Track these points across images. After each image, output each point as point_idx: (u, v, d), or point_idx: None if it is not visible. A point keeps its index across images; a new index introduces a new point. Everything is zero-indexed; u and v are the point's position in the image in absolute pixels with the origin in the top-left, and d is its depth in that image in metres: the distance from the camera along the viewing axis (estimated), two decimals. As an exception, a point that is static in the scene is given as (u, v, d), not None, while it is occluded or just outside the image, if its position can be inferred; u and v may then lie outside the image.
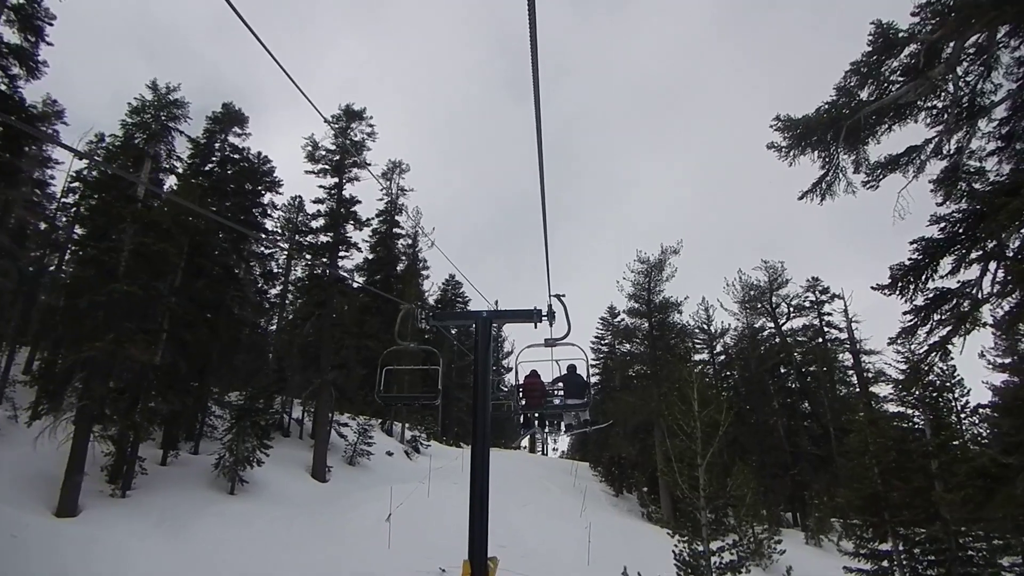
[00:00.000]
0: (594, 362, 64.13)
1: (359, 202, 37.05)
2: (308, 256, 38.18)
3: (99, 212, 26.39)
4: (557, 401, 10.75)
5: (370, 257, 65.63)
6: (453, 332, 63.74)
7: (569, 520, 30.33)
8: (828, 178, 14.00)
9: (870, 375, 50.16)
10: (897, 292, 13.86)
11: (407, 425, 48.00)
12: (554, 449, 74.56)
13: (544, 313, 7.45)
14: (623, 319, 50.25)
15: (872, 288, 14.20)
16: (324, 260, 36.17)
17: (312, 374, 34.36)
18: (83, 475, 22.08)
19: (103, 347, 22.64)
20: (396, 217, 67.40)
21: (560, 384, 10.86)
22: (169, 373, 26.57)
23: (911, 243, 13.68)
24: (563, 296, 7.54)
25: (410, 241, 67.49)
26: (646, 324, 43.27)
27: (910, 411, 22.40)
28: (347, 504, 27.12)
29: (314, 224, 38.35)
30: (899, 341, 15.41)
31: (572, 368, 10.87)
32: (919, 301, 13.80)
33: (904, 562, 19.86)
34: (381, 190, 66.87)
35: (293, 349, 38.33)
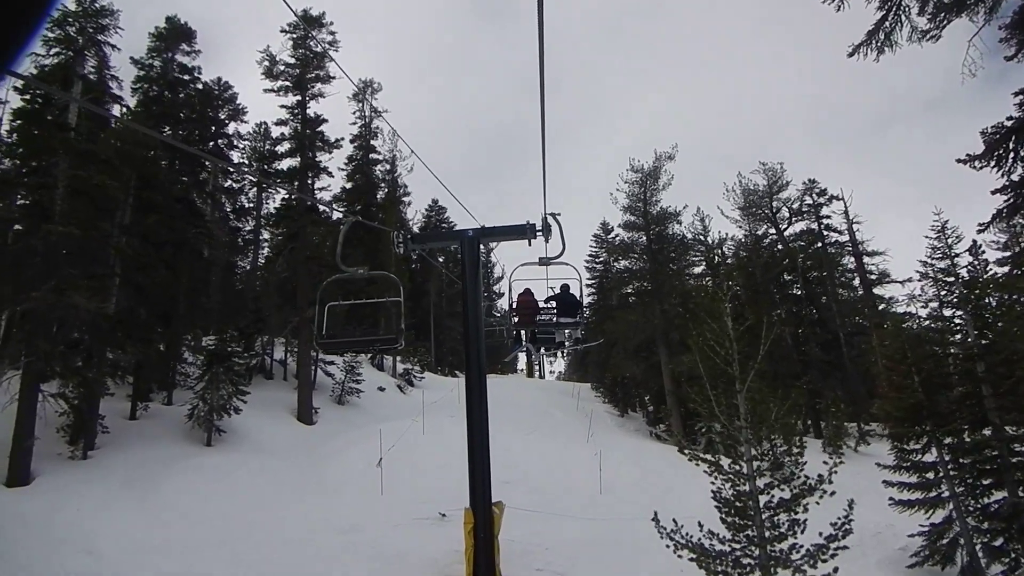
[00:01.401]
0: (589, 281, 61.92)
1: (325, 121, 33.72)
2: (277, 184, 35.11)
3: (27, 143, 23.14)
4: (551, 319, 10.65)
5: (347, 186, 62.31)
6: (441, 260, 61.44)
7: (576, 446, 28.49)
8: (888, 23, 11.14)
9: (874, 277, 48.39)
10: (992, 163, 11.24)
11: (399, 358, 45.89)
12: (551, 372, 73.30)
13: (539, 228, 6.78)
14: (618, 234, 47.69)
15: (959, 161, 11.53)
16: (291, 187, 33.13)
17: (290, 312, 31.89)
18: (34, 439, 19.76)
19: (41, 297, 19.97)
20: (372, 141, 63.95)
21: (553, 303, 10.78)
22: (126, 321, 24.01)
23: (1016, 93, 10.89)
24: (558, 215, 7.07)
25: (388, 167, 64.23)
26: (644, 237, 40.65)
27: (948, 311, 20.10)
28: (335, 447, 25.09)
29: (279, 149, 34.91)
30: (994, 225, 12.90)
31: (566, 287, 10.86)
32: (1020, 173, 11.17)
33: (952, 473, 17.98)
34: (354, 113, 63.11)
35: (269, 287, 35.84)
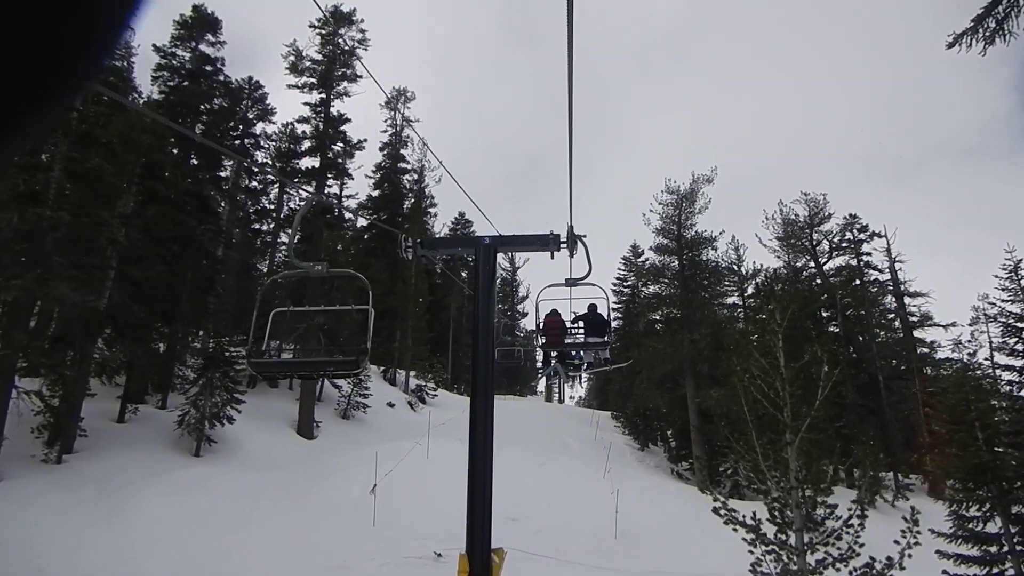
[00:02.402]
0: (616, 305, 59.80)
1: (348, 120, 32.24)
2: (294, 183, 33.66)
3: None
4: (579, 339, 10.62)
5: (374, 194, 61.40)
6: (464, 275, 59.71)
7: (592, 483, 26.31)
8: (1002, 7, 9.00)
9: (915, 319, 45.70)
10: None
11: (413, 373, 44.09)
12: (571, 397, 71.05)
13: (563, 240, 6.12)
14: (649, 258, 45.56)
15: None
16: (308, 187, 31.64)
17: (298, 318, 30.22)
18: (2, 438, 18.18)
19: (23, 285, 18.47)
20: (401, 150, 62.96)
21: (580, 323, 10.76)
22: (117, 318, 22.51)
23: None
24: (584, 236, 6.65)
25: (416, 176, 63.06)
26: (676, 262, 38.49)
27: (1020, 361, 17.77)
28: (333, 467, 23.17)
29: (299, 148, 33.45)
30: None
31: (593, 307, 10.87)
32: None
33: (1019, 548, 15.60)
34: (385, 121, 62.21)
35: (280, 290, 34.32)
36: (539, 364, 12.91)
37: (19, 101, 0.53)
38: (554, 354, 11.78)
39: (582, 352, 11.35)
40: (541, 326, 10.11)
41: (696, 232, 38.10)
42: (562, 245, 6.12)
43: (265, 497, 19.81)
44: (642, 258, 51.99)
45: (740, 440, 13.13)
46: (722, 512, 12.68)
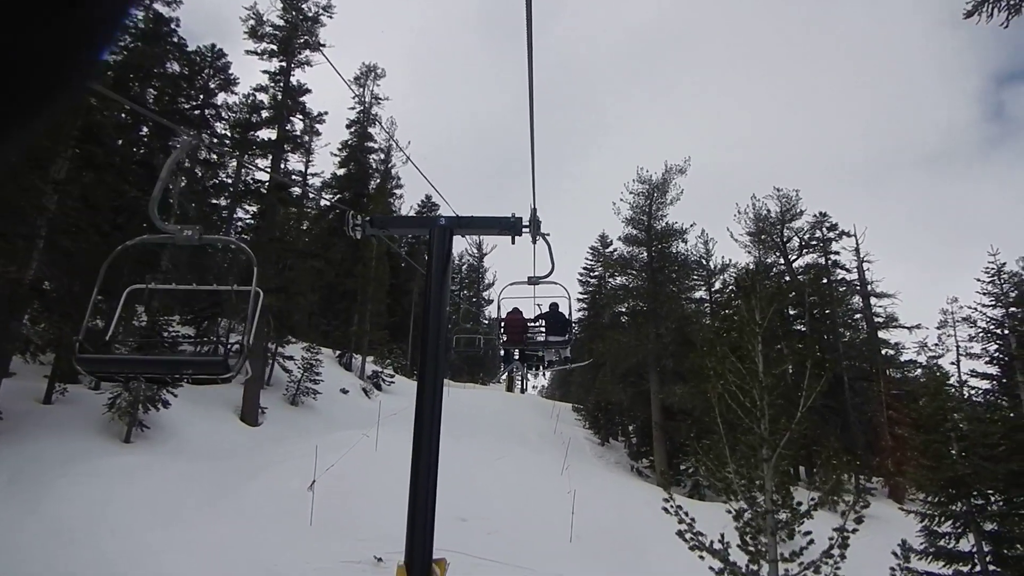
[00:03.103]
0: (581, 295, 58.96)
1: (309, 91, 30.48)
2: (248, 155, 31.82)
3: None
4: (539, 338, 10.78)
5: (339, 173, 59.60)
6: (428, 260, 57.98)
7: (549, 479, 25.35)
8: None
9: (880, 320, 45.60)
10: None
11: (371, 358, 42.64)
12: (533, 388, 70.19)
13: (525, 224, 5.61)
14: (616, 248, 44.72)
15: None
16: (261, 160, 29.94)
17: (243, 298, 28.62)
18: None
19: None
20: (369, 129, 61.22)
21: (542, 322, 10.92)
22: (44, 292, 20.83)
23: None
24: (548, 235, 6.31)
25: (383, 156, 61.37)
26: (645, 254, 37.62)
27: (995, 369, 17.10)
28: (273, 457, 21.80)
29: (254, 118, 31.57)
30: None
31: (555, 306, 11.06)
32: None
33: (991, 568, 14.94)
34: (353, 98, 60.40)
35: (232, 268, 32.67)
36: (501, 361, 13.16)
37: (19, 101, 0.54)
38: (516, 352, 11.87)
39: (542, 350, 11.34)
40: (503, 324, 10.33)
41: (667, 224, 37.34)
42: (524, 230, 5.69)
43: (197, 489, 18.41)
44: (610, 248, 51.10)
45: (710, 454, 12.13)
46: (687, 536, 11.64)
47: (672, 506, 11.44)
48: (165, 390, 22.23)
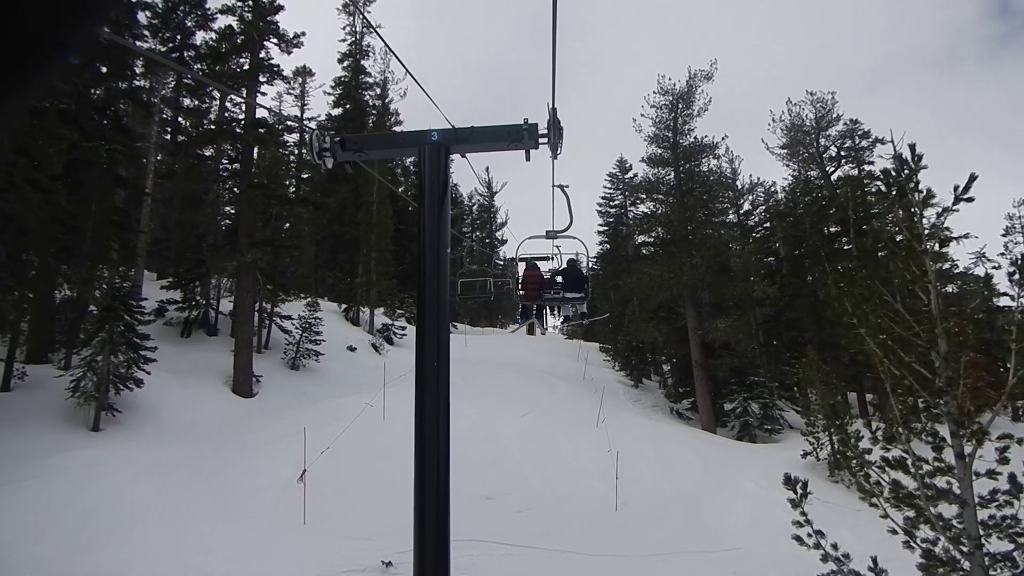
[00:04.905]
0: (600, 227, 55.44)
1: (282, 8, 26.32)
2: (219, 87, 28.23)
3: None
4: (556, 293, 10.84)
5: (334, 113, 56.12)
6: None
7: (584, 435, 22.39)
8: None
9: (926, 233, 41.75)
10: None
11: (381, 310, 39.64)
12: (553, 327, 67.55)
13: (542, 132, 4.46)
14: (639, 172, 40.96)
15: None
16: (236, 96, 26.30)
17: (226, 255, 25.46)
18: None
19: None
20: (363, 62, 57.30)
21: (559, 278, 10.99)
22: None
23: None
24: (567, 187, 6.60)
25: (379, 90, 57.55)
26: (672, 175, 33.85)
27: None
28: (269, 435, 18.95)
29: (224, 46, 27.58)
30: None
31: (572, 261, 11.11)
32: None
33: None
34: (343, 28, 56.46)
35: (215, 221, 29.60)
36: (518, 315, 12.97)
37: (19, 72, 0.56)
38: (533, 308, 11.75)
39: (560, 306, 11.39)
40: (520, 281, 10.61)
41: (695, 139, 33.37)
42: (541, 140, 4.51)
43: (173, 484, 15.58)
44: (630, 174, 47.31)
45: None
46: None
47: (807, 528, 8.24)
48: (136, 366, 19.41)
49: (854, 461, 9.12)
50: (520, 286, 10.56)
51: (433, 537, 3.76)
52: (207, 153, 36.66)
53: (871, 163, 42.24)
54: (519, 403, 24.77)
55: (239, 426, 20.01)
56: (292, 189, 51.36)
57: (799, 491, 8.25)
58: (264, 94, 27.37)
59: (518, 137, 4.51)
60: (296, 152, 45.79)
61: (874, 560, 8.04)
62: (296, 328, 27.85)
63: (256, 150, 30.83)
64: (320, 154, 4.71)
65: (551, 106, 4.54)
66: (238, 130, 26.51)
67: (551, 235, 7.72)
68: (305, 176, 55.34)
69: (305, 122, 50.53)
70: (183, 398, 20.84)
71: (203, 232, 29.95)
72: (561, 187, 6.76)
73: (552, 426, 22.79)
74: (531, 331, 58.51)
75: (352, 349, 32.04)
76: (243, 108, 27.41)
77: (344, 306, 38.93)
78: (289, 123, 40.29)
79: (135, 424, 18.82)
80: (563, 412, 25.19)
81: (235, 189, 27.71)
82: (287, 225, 41.25)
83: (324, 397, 23.35)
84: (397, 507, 11.28)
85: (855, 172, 42.57)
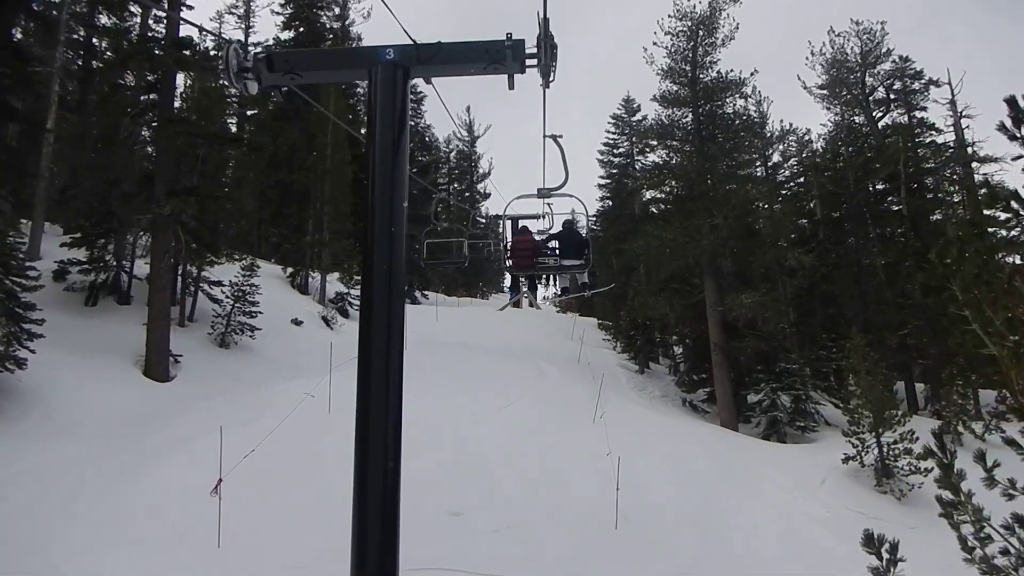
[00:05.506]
0: (603, 180, 54.20)
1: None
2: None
3: None
4: (551, 262, 10.87)
5: (283, 37, 54.57)
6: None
7: (578, 432, 21.26)
8: None
9: (985, 192, 40.62)
10: None
11: (336, 276, 38.27)
12: (545, 299, 66.77)
13: (531, 50, 4.13)
14: (647, 115, 39.55)
15: None
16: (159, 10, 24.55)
17: (139, 206, 23.90)
18: None
19: None
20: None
21: (555, 243, 11.02)
22: None
23: None
24: (560, 137, 6.73)
25: (339, 11, 56.06)
26: (689, 116, 32.50)
27: None
28: (183, 431, 17.58)
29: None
30: None
31: (569, 223, 11.38)
32: None
33: None
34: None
35: (131, 164, 27.96)
36: (506, 288, 12.47)
37: None
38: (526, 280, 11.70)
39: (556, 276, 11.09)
40: (508, 248, 10.59)
41: (718, 73, 31.97)
42: (529, 62, 4.17)
43: (53, 497, 14.24)
44: (638, 116, 45.79)
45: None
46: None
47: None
48: (18, 342, 17.97)
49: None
50: (508, 254, 10.51)
51: (376, 565, 3.51)
52: (128, 82, 34.99)
53: (923, 108, 41.10)
54: (499, 393, 23.65)
55: (148, 419, 18.64)
56: (234, 129, 49.84)
57: (885, 555, 6.88)
58: (191, 7, 25.67)
59: (499, 57, 4.17)
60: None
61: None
62: (228, 297, 26.42)
63: (183, 79, 29.28)
64: (240, 75, 4.25)
65: (542, 16, 4.25)
66: (156, 52, 24.79)
67: (543, 193, 7.79)
68: (251, 113, 53.78)
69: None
70: (80, 382, 19.42)
71: (116, 178, 28.29)
72: (553, 137, 6.84)
73: (539, 422, 21.68)
74: (517, 304, 57.48)
75: (297, 323, 30.70)
76: (167, 25, 25.95)
77: (290, 270, 37.46)
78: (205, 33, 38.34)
79: (16, 415, 17.38)
80: (553, 404, 24.09)
81: (153, 124, 26.08)
82: (227, 173, 39.78)
83: (257, 382, 22.06)
84: (340, 526, 10.03)
85: (904, 119, 41.43)
